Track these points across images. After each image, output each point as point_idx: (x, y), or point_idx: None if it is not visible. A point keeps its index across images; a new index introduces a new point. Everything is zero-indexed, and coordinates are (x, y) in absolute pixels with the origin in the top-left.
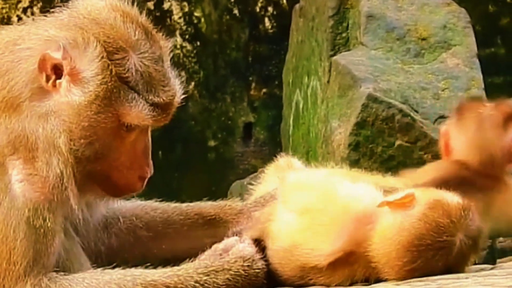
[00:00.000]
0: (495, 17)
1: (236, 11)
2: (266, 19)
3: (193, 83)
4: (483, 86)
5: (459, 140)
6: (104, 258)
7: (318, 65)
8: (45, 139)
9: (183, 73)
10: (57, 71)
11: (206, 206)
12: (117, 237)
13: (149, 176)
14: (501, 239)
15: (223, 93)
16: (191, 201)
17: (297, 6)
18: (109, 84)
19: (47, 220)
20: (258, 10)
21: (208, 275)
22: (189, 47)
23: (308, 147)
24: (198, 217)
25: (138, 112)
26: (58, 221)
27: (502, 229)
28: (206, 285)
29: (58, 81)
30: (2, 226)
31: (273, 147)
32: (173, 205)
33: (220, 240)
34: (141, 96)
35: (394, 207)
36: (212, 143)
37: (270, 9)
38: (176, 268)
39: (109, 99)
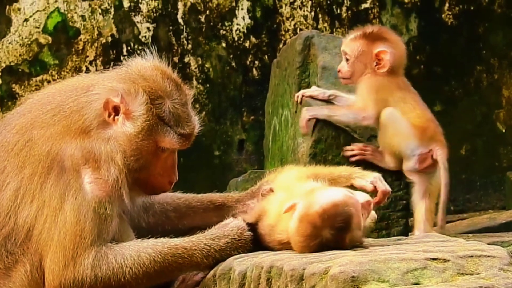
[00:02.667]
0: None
1: (233, 64)
2: (254, 69)
3: (204, 112)
4: None
5: (395, 53)
6: (143, 232)
7: (289, 100)
8: (106, 154)
9: (197, 105)
10: (116, 110)
11: (215, 195)
12: (154, 217)
13: (175, 181)
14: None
15: (224, 119)
16: (204, 193)
17: (275, 60)
18: (151, 121)
19: (107, 209)
20: (248, 63)
21: (213, 240)
22: (201, 88)
23: (281, 156)
24: (209, 203)
25: (170, 140)
26: (115, 209)
27: None
28: (212, 246)
29: (116, 117)
30: (77, 212)
31: (258, 156)
32: (192, 195)
33: (224, 218)
34: (172, 129)
35: (287, 212)
36: (217, 152)
37: (256, 62)
38: (191, 236)
39: (151, 131)
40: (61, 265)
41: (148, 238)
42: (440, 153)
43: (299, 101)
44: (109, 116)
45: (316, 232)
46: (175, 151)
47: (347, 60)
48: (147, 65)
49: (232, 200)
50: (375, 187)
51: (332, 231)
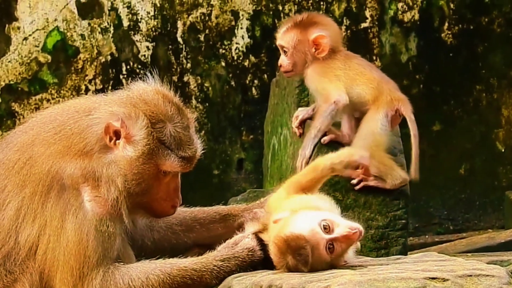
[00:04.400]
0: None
1: (233, 83)
2: (253, 89)
3: (203, 131)
4: None
5: (330, 34)
6: (148, 250)
7: (288, 119)
8: (107, 177)
9: (196, 125)
10: (117, 134)
11: (221, 207)
12: (159, 232)
13: (179, 205)
14: (410, 238)
15: (223, 138)
16: None
17: (274, 79)
18: (152, 144)
19: (109, 227)
20: (247, 82)
21: (223, 261)
22: (201, 107)
23: (280, 176)
24: (215, 214)
25: (171, 163)
26: (118, 227)
27: None
28: (221, 268)
29: (117, 141)
30: (78, 231)
31: (257, 175)
32: (197, 208)
33: (230, 229)
34: (173, 152)
35: (275, 223)
36: (216, 172)
37: (256, 81)
38: (200, 257)
39: (152, 154)
40: (70, 286)
41: (155, 256)
42: (405, 108)
43: (301, 132)
44: (110, 140)
45: (281, 255)
46: (178, 174)
47: (285, 52)
48: (148, 89)
49: (239, 209)
50: None
51: (293, 259)
